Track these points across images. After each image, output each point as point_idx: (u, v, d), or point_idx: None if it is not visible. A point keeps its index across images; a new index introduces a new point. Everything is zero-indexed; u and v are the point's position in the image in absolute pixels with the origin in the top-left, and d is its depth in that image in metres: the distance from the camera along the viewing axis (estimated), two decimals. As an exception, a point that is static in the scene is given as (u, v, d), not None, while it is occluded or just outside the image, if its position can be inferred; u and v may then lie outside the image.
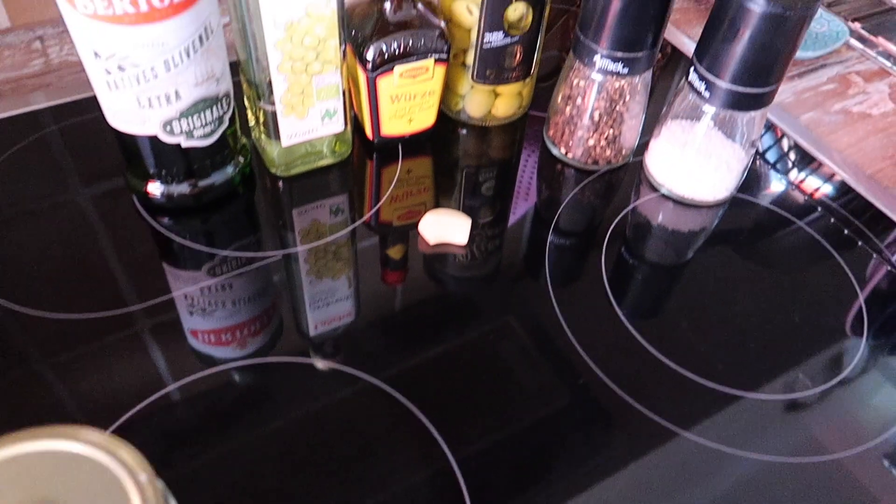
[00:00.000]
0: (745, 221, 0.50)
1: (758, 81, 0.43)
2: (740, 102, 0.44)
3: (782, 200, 0.52)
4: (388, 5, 0.45)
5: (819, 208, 0.51)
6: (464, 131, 0.55)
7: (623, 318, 0.43)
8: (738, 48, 0.42)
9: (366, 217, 0.48)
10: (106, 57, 0.37)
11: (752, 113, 0.46)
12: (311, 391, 0.39)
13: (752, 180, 0.53)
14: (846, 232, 0.50)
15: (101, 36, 0.36)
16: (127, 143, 0.43)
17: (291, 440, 0.37)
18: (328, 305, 0.43)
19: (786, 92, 0.60)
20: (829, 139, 0.56)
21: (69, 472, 0.22)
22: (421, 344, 0.41)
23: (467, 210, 0.49)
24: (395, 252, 0.47)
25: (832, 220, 0.50)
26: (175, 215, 0.47)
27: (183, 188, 0.45)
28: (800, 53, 0.61)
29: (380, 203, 0.49)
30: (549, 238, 0.47)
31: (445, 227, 0.46)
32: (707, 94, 0.45)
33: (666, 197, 0.51)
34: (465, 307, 0.43)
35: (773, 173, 0.54)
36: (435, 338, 0.41)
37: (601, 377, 0.40)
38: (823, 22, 0.64)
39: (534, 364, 0.41)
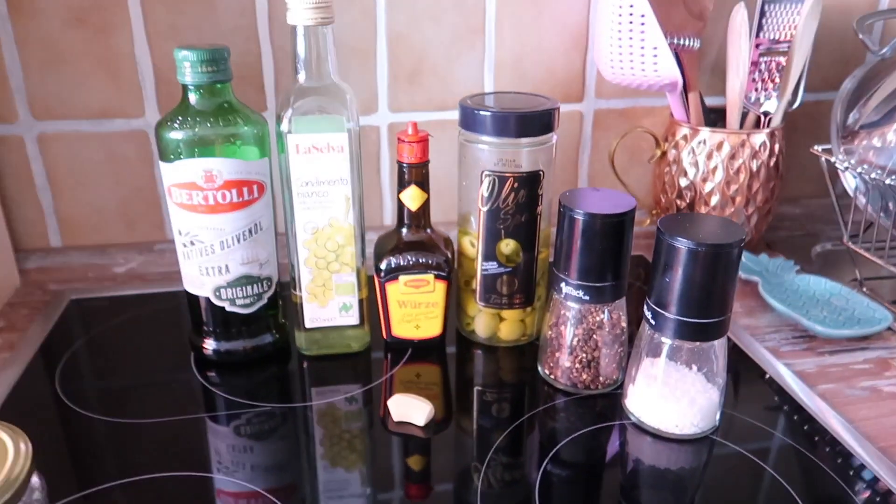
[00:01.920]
0: (720, 466, 0.49)
1: (697, 313, 0.47)
2: (686, 332, 0.48)
3: (764, 452, 0.50)
4: (405, 230, 0.58)
5: (800, 464, 0.48)
6: (478, 351, 0.62)
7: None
8: (670, 280, 0.47)
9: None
10: (184, 234, 0.54)
11: (705, 346, 0.49)
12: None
13: (736, 426, 0.52)
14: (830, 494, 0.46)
15: (183, 218, 0.53)
16: (192, 304, 0.57)
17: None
18: (341, 498, 0.47)
19: (808, 363, 0.60)
20: (845, 409, 0.54)
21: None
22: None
23: (462, 421, 0.54)
24: (414, 462, 0.50)
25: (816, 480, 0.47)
26: (220, 369, 0.59)
27: (227, 346, 0.58)
28: (833, 331, 0.61)
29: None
30: (488, 456, 0.50)
31: (408, 408, 0.52)
32: (654, 323, 0.49)
33: (637, 427, 0.52)
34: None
35: (761, 420, 0.52)
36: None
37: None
38: (867, 308, 0.64)
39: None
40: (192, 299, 0.57)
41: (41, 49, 0.67)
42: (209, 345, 0.58)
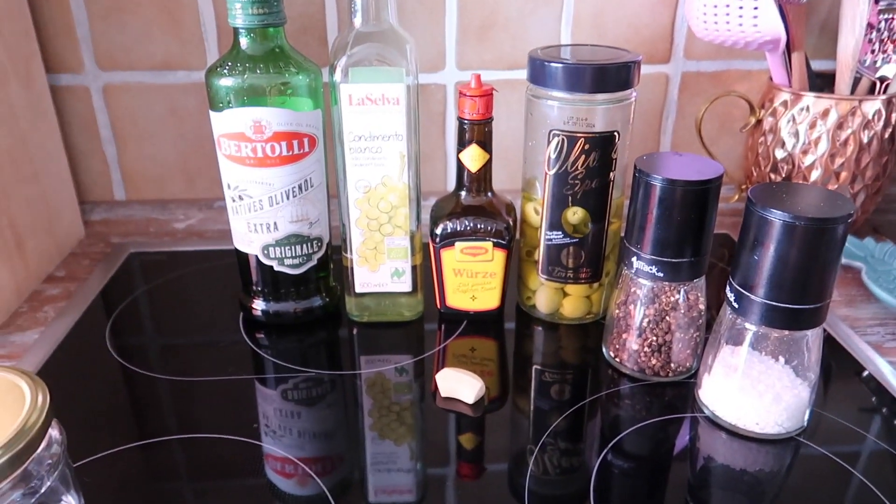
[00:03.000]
0: (805, 470, 0.43)
1: (790, 297, 0.41)
2: (775, 319, 0.42)
3: (857, 457, 0.43)
4: (464, 193, 0.54)
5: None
6: (538, 328, 0.58)
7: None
8: (759, 258, 0.41)
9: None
10: (233, 188, 0.51)
11: (797, 335, 0.42)
12: None
13: (826, 426, 0.46)
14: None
15: (231, 171, 0.51)
16: (241, 262, 0.55)
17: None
18: (389, 472, 0.44)
19: (919, 361, 0.52)
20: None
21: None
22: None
23: (518, 400, 0.50)
24: (465, 440, 0.47)
25: (927, 499, 0.40)
26: (268, 331, 0.57)
27: (275, 307, 0.56)
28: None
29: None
30: (543, 439, 0.45)
31: (458, 383, 0.48)
32: (737, 306, 0.43)
33: (711, 421, 0.46)
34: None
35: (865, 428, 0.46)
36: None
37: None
38: None
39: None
40: (242, 257, 0.55)
41: (106, -3, 0.67)
42: (258, 305, 0.56)
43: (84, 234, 0.72)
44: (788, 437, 0.45)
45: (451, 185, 0.78)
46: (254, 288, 0.56)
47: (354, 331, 0.57)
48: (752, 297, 0.42)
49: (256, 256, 0.54)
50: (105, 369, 0.52)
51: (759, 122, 0.68)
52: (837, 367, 0.53)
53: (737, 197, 0.72)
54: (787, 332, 0.43)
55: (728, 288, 0.44)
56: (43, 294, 0.62)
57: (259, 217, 0.52)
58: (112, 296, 0.62)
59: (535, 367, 0.54)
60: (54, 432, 0.33)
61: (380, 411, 0.49)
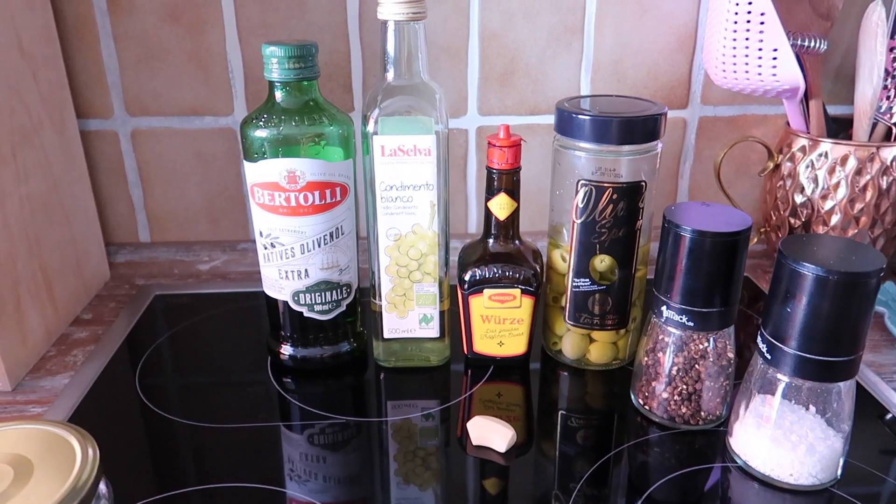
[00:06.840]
0: (840, 524, 0.43)
1: (823, 349, 0.41)
2: (808, 370, 0.42)
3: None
4: (491, 241, 0.55)
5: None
6: (564, 373, 0.58)
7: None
8: (792, 310, 0.41)
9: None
10: (265, 235, 0.52)
11: (830, 386, 0.43)
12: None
13: (858, 476, 0.46)
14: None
15: (264, 220, 0.51)
16: (271, 308, 0.56)
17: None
18: None
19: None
20: None
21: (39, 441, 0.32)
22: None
23: (544, 446, 0.50)
24: (491, 486, 0.46)
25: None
26: (296, 375, 0.57)
27: (303, 352, 0.56)
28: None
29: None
30: (573, 486, 0.46)
31: (489, 431, 0.48)
32: (769, 357, 0.43)
33: (743, 471, 0.46)
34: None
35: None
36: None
37: None
38: None
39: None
40: (271, 303, 0.55)
41: (137, 45, 0.68)
42: (286, 350, 0.56)
43: (109, 276, 0.73)
44: (822, 489, 0.45)
45: (473, 227, 0.79)
46: (282, 333, 0.56)
47: (381, 375, 0.58)
48: (785, 348, 0.42)
49: (286, 302, 0.54)
50: (136, 416, 0.53)
51: (778, 166, 0.69)
52: (866, 415, 0.53)
53: (755, 240, 0.73)
54: (820, 384, 0.43)
55: (759, 338, 0.45)
56: (71, 337, 0.62)
57: (290, 264, 0.52)
58: (139, 339, 0.62)
59: (561, 412, 0.54)
60: (102, 487, 0.34)
61: (405, 456, 0.49)
